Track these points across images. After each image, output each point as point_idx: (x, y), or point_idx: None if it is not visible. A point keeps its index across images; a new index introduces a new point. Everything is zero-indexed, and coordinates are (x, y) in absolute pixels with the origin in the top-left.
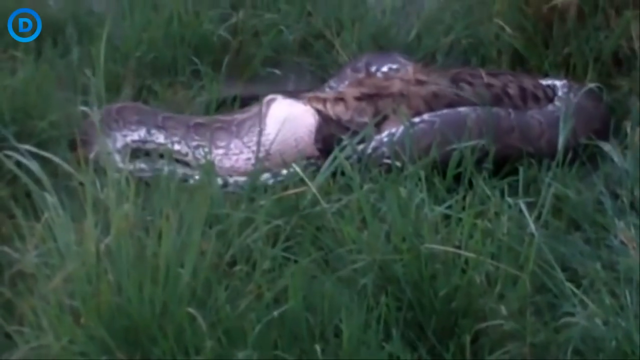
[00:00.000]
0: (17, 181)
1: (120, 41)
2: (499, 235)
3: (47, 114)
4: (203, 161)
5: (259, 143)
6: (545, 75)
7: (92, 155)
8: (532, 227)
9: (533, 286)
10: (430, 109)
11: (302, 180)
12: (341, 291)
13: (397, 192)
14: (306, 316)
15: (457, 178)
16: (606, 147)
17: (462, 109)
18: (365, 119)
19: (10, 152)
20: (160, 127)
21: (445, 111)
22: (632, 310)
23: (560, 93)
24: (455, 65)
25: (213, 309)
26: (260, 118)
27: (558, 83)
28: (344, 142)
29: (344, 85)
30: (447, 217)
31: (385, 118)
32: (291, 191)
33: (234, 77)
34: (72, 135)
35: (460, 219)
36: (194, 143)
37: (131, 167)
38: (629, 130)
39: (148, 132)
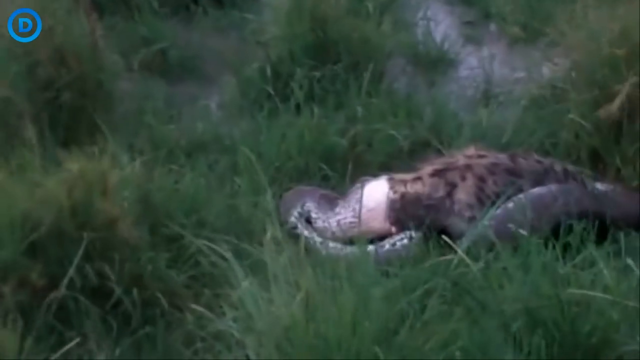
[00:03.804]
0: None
1: (262, 153)
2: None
3: (210, 209)
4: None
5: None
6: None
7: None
8: None
9: None
10: (492, 173)
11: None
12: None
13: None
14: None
15: None
16: None
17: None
18: (440, 193)
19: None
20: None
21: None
22: None
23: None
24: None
25: None
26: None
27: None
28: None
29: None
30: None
31: (454, 187)
32: (441, 258)
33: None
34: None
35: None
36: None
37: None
38: None
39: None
